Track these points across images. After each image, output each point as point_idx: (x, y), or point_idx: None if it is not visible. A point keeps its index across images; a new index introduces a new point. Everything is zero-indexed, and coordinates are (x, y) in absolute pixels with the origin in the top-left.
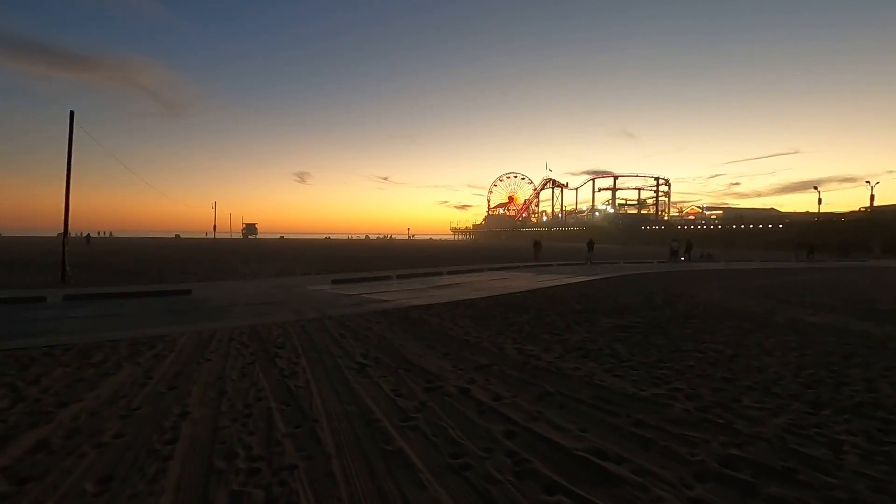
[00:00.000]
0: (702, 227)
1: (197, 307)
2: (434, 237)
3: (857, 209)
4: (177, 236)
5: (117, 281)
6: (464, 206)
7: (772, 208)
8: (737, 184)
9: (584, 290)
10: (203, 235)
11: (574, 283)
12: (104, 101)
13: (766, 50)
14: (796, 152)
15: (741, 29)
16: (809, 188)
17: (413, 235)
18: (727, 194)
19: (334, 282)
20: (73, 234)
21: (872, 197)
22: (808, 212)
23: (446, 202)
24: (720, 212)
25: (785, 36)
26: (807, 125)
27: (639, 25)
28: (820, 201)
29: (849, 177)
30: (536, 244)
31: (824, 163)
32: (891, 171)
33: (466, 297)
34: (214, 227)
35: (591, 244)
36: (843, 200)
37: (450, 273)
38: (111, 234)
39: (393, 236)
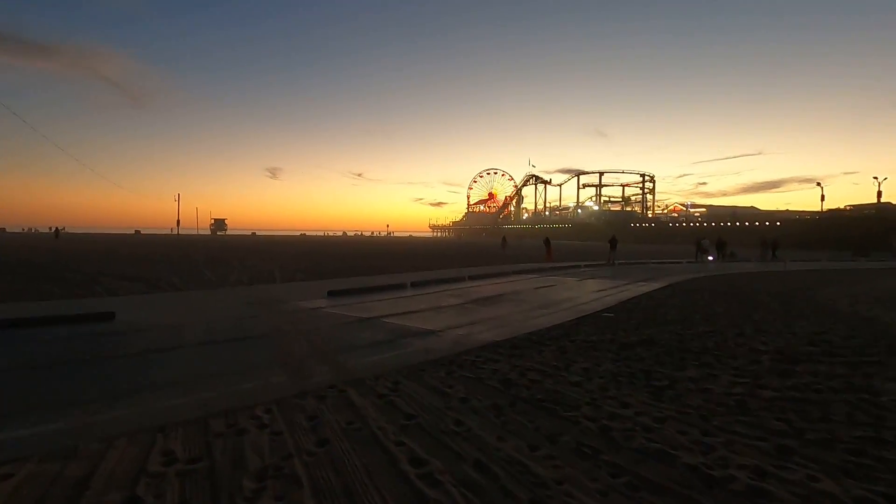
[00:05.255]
0: (691, 224)
1: (108, 354)
2: (413, 234)
3: (840, 207)
4: (137, 232)
5: (22, 292)
6: (439, 204)
7: (752, 206)
8: (704, 183)
9: (691, 306)
10: (168, 231)
11: (652, 293)
12: (61, 92)
13: (733, 53)
14: (760, 153)
15: (708, 33)
16: (773, 188)
17: (392, 232)
18: (695, 193)
19: (333, 294)
20: (40, 230)
21: (880, 193)
22: (787, 210)
23: (421, 199)
24: (703, 209)
25: (750, 39)
26: (770, 127)
27: (611, 28)
28: (823, 198)
29: (808, 177)
30: (546, 242)
31: (786, 164)
32: (847, 173)
33: (545, 322)
34: (178, 221)
35: (614, 242)
36: (804, 200)
37: (472, 278)
38: (63, 229)
39: (377, 232)
